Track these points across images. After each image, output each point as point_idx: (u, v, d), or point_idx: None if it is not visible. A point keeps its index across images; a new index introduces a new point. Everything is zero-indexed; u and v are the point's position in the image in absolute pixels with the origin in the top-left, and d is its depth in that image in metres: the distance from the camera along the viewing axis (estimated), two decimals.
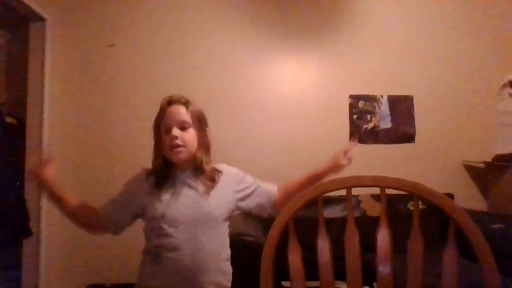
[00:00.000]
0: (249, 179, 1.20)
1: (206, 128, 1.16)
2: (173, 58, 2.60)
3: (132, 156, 2.43)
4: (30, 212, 2.11)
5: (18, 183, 2.12)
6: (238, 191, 1.15)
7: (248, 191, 1.16)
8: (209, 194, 1.08)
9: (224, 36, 2.64)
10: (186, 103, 1.11)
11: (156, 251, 1.05)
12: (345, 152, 1.18)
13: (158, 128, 1.11)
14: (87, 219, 1.13)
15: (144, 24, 2.60)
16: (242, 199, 1.16)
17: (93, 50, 2.55)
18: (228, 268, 1.12)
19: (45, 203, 2.19)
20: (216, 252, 1.07)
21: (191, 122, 1.09)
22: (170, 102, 1.11)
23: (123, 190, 1.17)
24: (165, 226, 1.04)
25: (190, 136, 1.08)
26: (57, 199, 1.08)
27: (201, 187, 1.09)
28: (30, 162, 2.18)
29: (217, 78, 2.60)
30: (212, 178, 1.11)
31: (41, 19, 2.23)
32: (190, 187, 1.10)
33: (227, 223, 1.14)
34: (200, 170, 1.11)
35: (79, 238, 2.43)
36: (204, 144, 1.13)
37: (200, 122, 1.13)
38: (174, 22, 2.62)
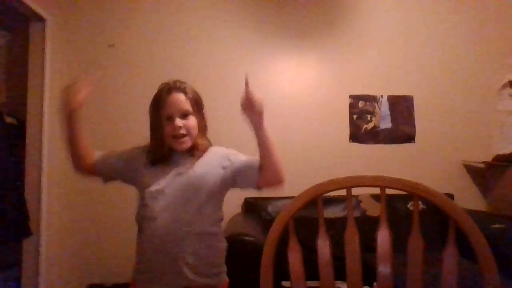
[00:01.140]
0: (237, 158, 1.14)
1: (203, 110, 1.18)
2: (173, 58, 2.60)
3: None
4: (30, 212, 2.11)
5: (18, 183, 2.12)
6: (225, 167, 1.12)
7: (233, 168, 1.12)
8: (192, 166, 1.10)
9: (224, 36, 2.64)
10: (184, 90, 1.13)
11: (140, 222, 1.09)
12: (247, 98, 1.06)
13: (157, 115, 1.12)
14: (84, 156, 1.21)
15: (144, 24, 2.60)
16: (230, 177, 1.11)
17: (93, 50, 2.55)
18: (214, 243, 1.10)
19: (45, 203, 2.19)
20: (194, 224, 1.05)
21: (191, 109, 1.11)
22: (169, 90, 1.12)
23: (126, 150, 1.22)
24: (147, 197, 1.07)
25: (192, 124, 1.11)
26: (72, 125, 1.16)
27: (188, 162, 1.12)
28: (30, 162, 2.18)
29: (217, 78, 2.60)
30: (201, 152, 1.13)
31: (41, 19, 2.23)
32: (180, 164, 1.12)
33: (212, 199, 1.10)
34: (194, 149, 1.14)
35: (79, 238, 2.43)
36: (202, 126, 1.16)
37: (198, 106, 1.15)
38: (174, 23, 2.62)
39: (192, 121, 1.11)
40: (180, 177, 1.09)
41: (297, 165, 2.58)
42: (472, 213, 1.57)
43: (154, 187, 1.07)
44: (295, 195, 0.80)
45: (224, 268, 1.15)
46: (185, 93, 1.12)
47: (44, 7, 2.23)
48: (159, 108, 1.11)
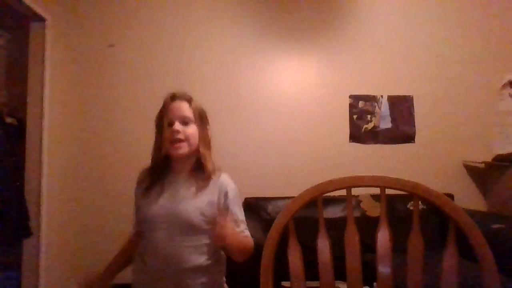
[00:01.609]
0: (238, 208, 1.12)
1: (208, 126, 1.17)
2: (173, 58, 2.60)
3: (131, 155, 2.43)
4: (30, 212, 2.11)
5: (18, 183, 2.12)
6: (221, 206, 1.08)
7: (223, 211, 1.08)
8: (195, 195, 1.05)
9: (224, 36, 2.64)
10: (189, 100, 1.12)
11: (141, 254, 1.07)
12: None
13: (160, 123, 1.11)
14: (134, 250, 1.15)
15: (144, 24, 2.60)
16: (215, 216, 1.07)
17: (93, 50, 2.55)
18: (214, 268, 1.08)
19: (45, 203, 2.19)
20: (194, 259, 1.03)
21: (193, 118, 1.10)
22: (173, 97, 1.12)
23: (135, 193, 1.19)
24: (147, 229, 1.06)
25: (191, 131, 1.09)
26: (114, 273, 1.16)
27: (191, 189, 1.07)
28: (30, 162, 2.18)
29: (218, 78, 2.60)
30: (208, 176, 1.09)
31: (41, 19, 2.23)
32: (177, 189, 1.09)
33: (210, 231, 1.06)
34: (198, 167, 1.10)
35: (79, 238, 2.43)
36: (205, 139, 1.13)
37: (202, 119, 1.14)
38: (174, 23, 2.62)
39: (192, 129, 1.09)
40: (177, 209, 1.04)
41: (297, 165, 2.58)
42: (472, 213, 1.56)
43: (152, 218, 1.05)
44: (295, 195, 0.80)
45: (223, 280, 1.14)
46: (189, 102, 1.11)
47: (44, 7, 2.23)
48: (162, 115, 1.11)
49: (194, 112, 1.10)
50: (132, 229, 1.21)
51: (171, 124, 1.08)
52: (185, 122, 1.08)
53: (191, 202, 1.05)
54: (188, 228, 1.03)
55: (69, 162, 2.46)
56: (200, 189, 1.07)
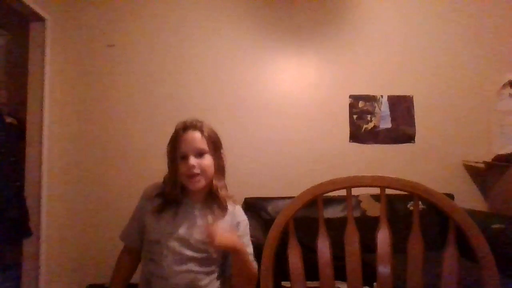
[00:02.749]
0: (247, 239, 1.14)
1: (221, 150, 1.15)
2: (173, 58, 2.60)
3: (131, 155, 2.43)
4: (30, 212, 2.11)
5: (18, 183, 2.12)
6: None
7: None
8: (213, 226, 1.03)
9: (224, 36, 2.64)
10: (201, 128, 1.09)
11: (147, 277, 1.06)
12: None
13: (173, 154, 1.09)
14: (134, 268, 1.20)
15: (144, 24, 2.60)
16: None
17: (93, 50, 2.55)
18: None
19: (45, 203, 2.19)
20: (205, 284, 1.06)
21: (207, 148, 1.07)
22: (185, 128, 1.08)
23: (136, 206, 1.18)
24: (158, 253, 1.05)
25: (207, 163, 1.07)
26: None
27: (206, 218, 1.08)
28: (30, 162, 2.18)
29: (217, 78, 2.60)
30: (223, 206, 1.09)
31: (41, 19, 2.23)
32: (193, 217, 1.09)
33: (220, 262, 1.11)
34: (212, 197, 1.10)
35: (79, 238, 2.43)
36: (219, 167, 1.12)
37: (215, 145, 1.11)
38: (174, 22, 2.62)
39: (207, 160, 1.07)
40: (193, 237, 1.05)
41: (297, 165, 2.58)
42: (472, 213, 1.56)
43: (166, 243, 1.04)
44: (295, 195, 0.80)
45: None
46: (201, 131, 1.08)
47: (44, 7, 2.23)
48: (175, 147, 1.08)
49: (207, 142, 1.08)
50: (123, 239, 1.20)
51: (185, 157, 1.05)
52: (199, 154, 1.06)
53: (205, 231, 1.04)
54: (203, 256, 1.05)
55: (69, 162, 2.46)
56: (215, 219, 1.08)
